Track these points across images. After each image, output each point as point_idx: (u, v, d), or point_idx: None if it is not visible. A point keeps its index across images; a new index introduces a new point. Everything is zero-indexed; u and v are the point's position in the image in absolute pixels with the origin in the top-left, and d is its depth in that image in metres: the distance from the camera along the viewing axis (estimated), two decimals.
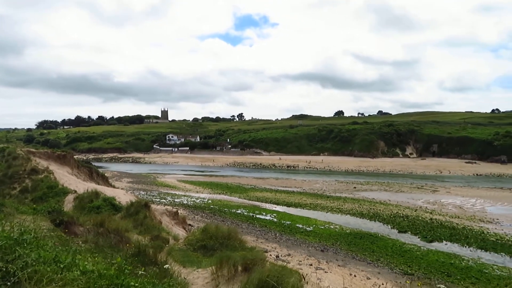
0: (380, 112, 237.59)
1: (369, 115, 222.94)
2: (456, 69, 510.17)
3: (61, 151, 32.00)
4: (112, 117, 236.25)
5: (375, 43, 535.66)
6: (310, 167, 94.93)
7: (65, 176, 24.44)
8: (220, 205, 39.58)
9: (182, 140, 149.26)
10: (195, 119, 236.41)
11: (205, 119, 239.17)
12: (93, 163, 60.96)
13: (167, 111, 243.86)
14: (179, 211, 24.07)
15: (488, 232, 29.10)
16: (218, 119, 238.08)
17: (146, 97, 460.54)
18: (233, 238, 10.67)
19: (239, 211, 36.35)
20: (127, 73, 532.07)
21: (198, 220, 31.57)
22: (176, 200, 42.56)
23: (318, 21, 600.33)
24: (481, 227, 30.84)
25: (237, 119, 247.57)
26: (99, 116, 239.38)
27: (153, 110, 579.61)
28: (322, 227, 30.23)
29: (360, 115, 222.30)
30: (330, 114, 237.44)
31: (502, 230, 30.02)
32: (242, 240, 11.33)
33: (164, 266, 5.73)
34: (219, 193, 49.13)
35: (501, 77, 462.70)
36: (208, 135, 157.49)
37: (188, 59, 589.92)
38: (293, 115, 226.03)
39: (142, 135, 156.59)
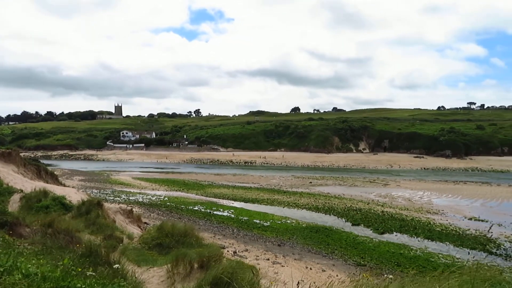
0: (334, 109, 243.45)
1: (324, 111, 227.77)
2: (406, 67, 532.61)
3: (6, 148, 30.15)
4: (62, 112, 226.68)
5: (330, 40, 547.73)
6: (267, 163, 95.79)
7: (10, 175, 23.09)
8: (177, 202, 39.03)
9: (137, 136, 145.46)
10: (151, 115, 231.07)
11: (161, 115, 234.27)
12: (41, 161, 58.06)
13: (121, 106, 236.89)
14: (134, 209, 23.49)
15: (434, 222, 30.69)
16: (174, 115, 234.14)
17: (98, 92, 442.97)
18: (190, 235, 10.58)
19: (196, 208, 36.01)
20: (77, 66, 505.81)
21: (154, 218, 30.96)
22: (131, 198, 41.49)
23: (273, 17, 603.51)
24: (428, 218, 32.48)
25: (194, 115, 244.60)
26: (47, 112, 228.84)
27: (106, 105, 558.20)
28: (279, 222, 30.61)
29: (315, 111, 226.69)
30: (287, 110, 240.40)
31: (447, 220, 31.78)
32: (199, 237, 11.26)
33: (114, 266, 5.54)
34: (176, 190, 48.43)
35: (446, 75, 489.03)
36: (164, 131, 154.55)
37: (141, 52, 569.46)
38: (250, 111, 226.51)
39: (94, 132, 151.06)
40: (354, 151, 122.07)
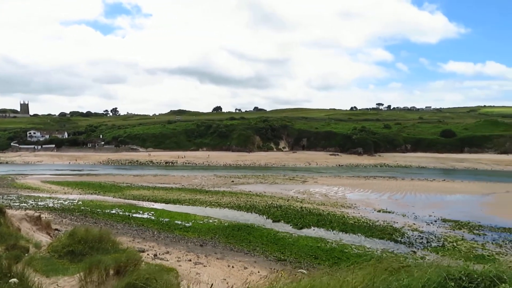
0: (256, 108, 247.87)
1: (245, 111, 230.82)
2: (322, 69, 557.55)
3: None
4: None
5: (250, 40, 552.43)
6: (189, 163, 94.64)
7: None
8: (92, 206, 36.90)
9: (47, 136, 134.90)
10: (62, 114, 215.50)
11: (74, 113, 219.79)
12: None
13: (27, 104, 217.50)
14: (43, 215, 21.78)
15: (348, 216, 32.71)
16: (89, 114, 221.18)
17: (0, 88, 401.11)
18: (106, 240, 10.08)
19: (113, 211, 34.41)
20: None
21: (67, 223, 28.97)
22: (40, 203, 38.32)
23: (193, 14, 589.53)
24: (342, 212, 34.53)
25: (111, 114, 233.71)
26: None
27: (10, 102, 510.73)
28: (201, 222, 30.42)
29: (237, 111, 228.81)
30: (209, 109, 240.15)
31: (359, 213, 34.07)
32: (116, 241, 10.77)
33: (11, 280, 5.05)
34: (91, 193, 45.78)
35: (357, 78, 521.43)
36: (78, 131, 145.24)
37: (50, 46, 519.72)
38: (171, 110, 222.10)
39: None
40: (275, 149, 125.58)
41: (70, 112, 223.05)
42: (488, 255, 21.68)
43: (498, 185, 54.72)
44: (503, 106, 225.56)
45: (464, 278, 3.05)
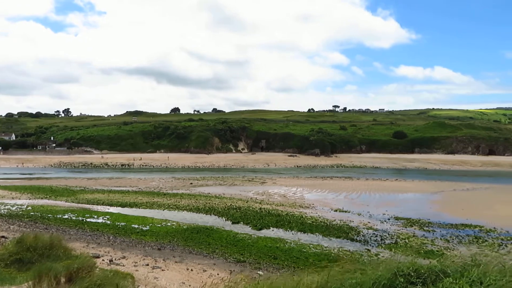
0: (214, 110, 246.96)
1: (204, 112, 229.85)
2: (281, 71, 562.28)
3: None
4: None
5: (209, 41, 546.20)
6: (146, 165, 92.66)
7: None
8: (43, 211, 35.17)
9: None
10: (9, 114, 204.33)
11: (22, 114, 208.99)
12: None
13: None
14: None
15: (306, 216, 33.27)
16: (39, 115, 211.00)
17: None
18: (57, 247, 9.70)
19: (66, 216, 32.95)
20: None
21: (15, 230, 27.41)
22: None
23: (150, 14, 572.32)
24: (301, 212, 35.09)
25: (63, 115, 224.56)
26: None
27: None
28: (159, 225, 29.84)
29: (196, 112, 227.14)
30: (167, 110, 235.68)
31: (316, 213, 34.76)
32: (68, 248, 10.40)
33: None
34: (42, 198, 43.60)
35: (315, 80, 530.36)
36: (27, 133, 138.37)
37: None
38: (127, 111, 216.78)
39: None
40: (234, 151, 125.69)
41: (18, 113, 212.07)
42: (437, 251, 22.79)
43: (445, 184, 57.84)
44: (449, 109, 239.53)
45: (412, 274, 3.21)
